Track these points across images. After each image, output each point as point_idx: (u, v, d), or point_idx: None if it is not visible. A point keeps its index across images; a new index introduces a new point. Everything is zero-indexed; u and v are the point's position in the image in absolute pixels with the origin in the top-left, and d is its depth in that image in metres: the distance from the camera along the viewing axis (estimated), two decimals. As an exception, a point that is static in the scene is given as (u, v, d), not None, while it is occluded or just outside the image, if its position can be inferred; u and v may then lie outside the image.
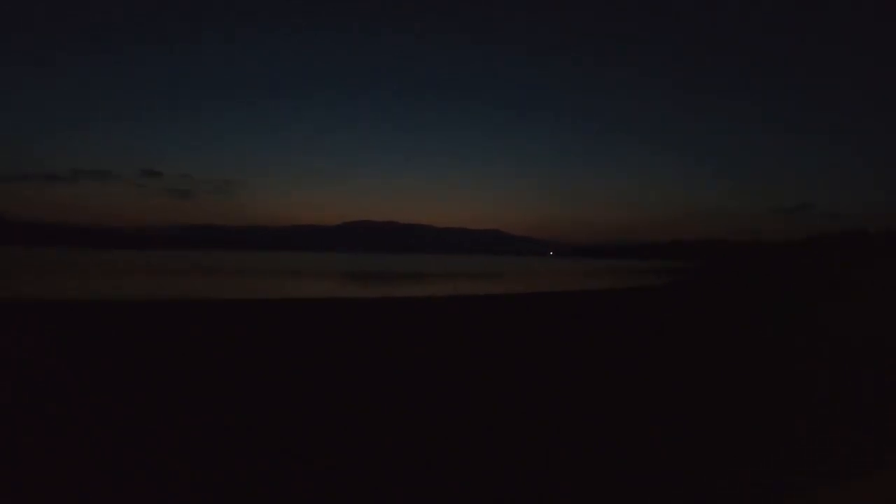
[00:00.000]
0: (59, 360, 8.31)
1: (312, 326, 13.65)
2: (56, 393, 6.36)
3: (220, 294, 24.99)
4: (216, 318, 14.81)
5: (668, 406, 6.49)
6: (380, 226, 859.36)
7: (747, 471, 4.42)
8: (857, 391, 7.10)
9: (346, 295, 27.17)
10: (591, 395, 7.03)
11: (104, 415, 5.56)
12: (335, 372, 7.89)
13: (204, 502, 3.71)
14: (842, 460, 4.63)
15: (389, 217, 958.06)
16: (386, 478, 4.15)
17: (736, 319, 16.76)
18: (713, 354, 10.32)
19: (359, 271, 65.06)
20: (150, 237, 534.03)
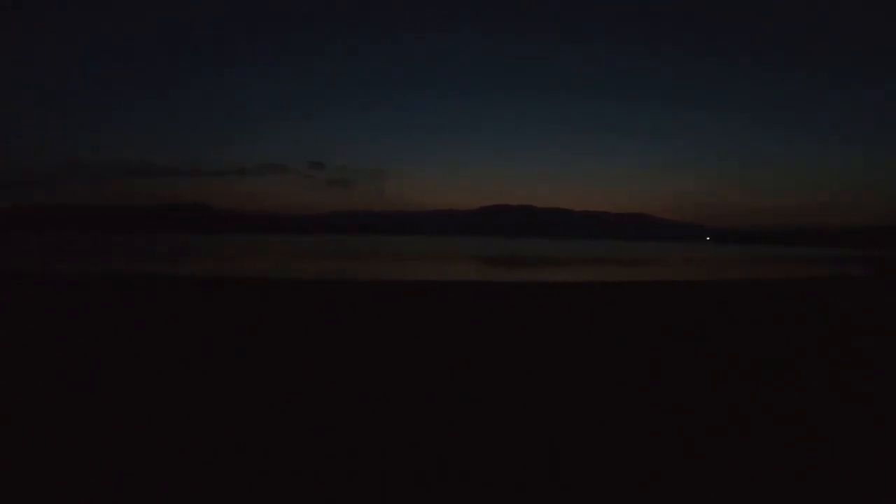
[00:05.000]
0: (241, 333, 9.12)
1: (442, 308, 13.71)
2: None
3: (376, 276, 27.32)
4: (366, 298, 15.55)
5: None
6: (516, 210, 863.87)
7: None
8: None
9: (474, 278, 27.38)
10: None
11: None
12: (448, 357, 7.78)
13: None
14: None
15: (526, 201, 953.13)
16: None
17: None
18: None
19: (489, 255, 65.05)
20: (315, 223, 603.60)
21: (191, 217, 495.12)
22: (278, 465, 4.22)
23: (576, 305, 15.22)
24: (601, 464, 4.42)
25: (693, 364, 7.96)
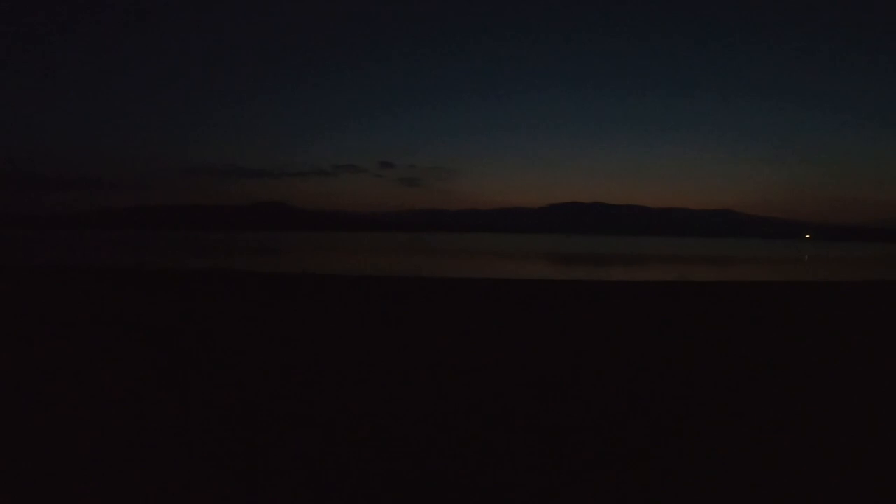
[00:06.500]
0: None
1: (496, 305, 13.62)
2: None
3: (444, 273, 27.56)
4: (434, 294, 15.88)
5: None
6: (587, 207, 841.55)
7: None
8: None
9: (532, 276, 26.75)
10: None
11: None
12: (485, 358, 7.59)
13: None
14: None
15: (598, 198, 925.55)
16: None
17: None
18: None
19: (556, 253, 63.85)
20: (385, 221, 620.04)
21: (274, 215, 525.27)
22: (279, 464, 4.14)
23: (595, 306, 14.61)
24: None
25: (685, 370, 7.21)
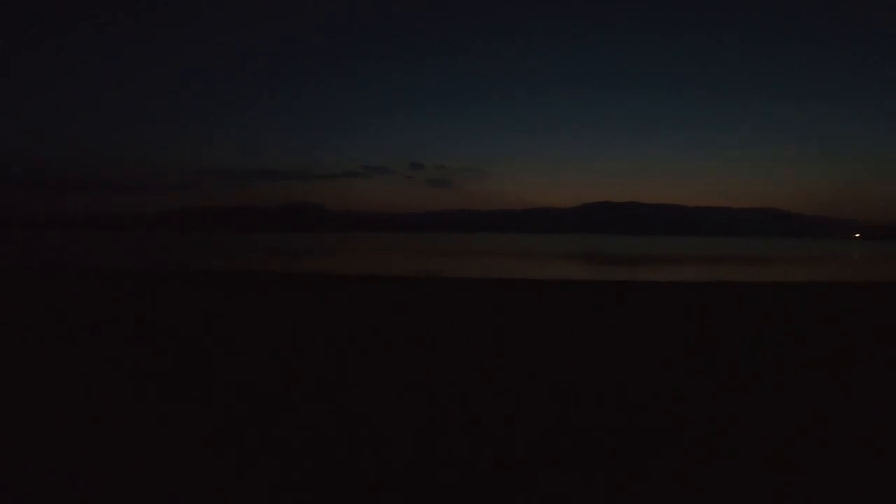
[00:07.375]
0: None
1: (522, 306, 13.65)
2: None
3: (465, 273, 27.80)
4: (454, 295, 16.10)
5: None
6: (620, 207, 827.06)
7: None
8: None
9: (563, 276, 26.56)
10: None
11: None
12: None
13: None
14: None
15: (631, 198, 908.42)
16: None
17: None
18: None
19: (587, 253, 63.97)
20: (415, 222, 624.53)
21: (305, 217, 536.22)
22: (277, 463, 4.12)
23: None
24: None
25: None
